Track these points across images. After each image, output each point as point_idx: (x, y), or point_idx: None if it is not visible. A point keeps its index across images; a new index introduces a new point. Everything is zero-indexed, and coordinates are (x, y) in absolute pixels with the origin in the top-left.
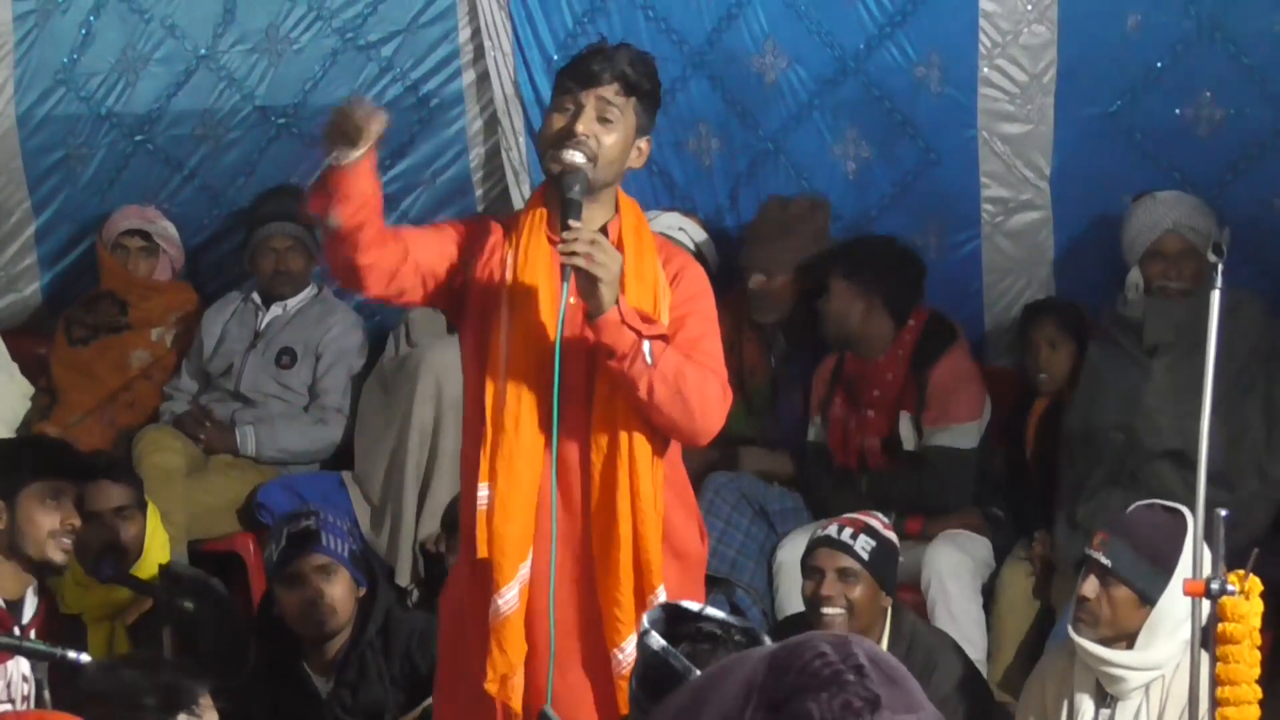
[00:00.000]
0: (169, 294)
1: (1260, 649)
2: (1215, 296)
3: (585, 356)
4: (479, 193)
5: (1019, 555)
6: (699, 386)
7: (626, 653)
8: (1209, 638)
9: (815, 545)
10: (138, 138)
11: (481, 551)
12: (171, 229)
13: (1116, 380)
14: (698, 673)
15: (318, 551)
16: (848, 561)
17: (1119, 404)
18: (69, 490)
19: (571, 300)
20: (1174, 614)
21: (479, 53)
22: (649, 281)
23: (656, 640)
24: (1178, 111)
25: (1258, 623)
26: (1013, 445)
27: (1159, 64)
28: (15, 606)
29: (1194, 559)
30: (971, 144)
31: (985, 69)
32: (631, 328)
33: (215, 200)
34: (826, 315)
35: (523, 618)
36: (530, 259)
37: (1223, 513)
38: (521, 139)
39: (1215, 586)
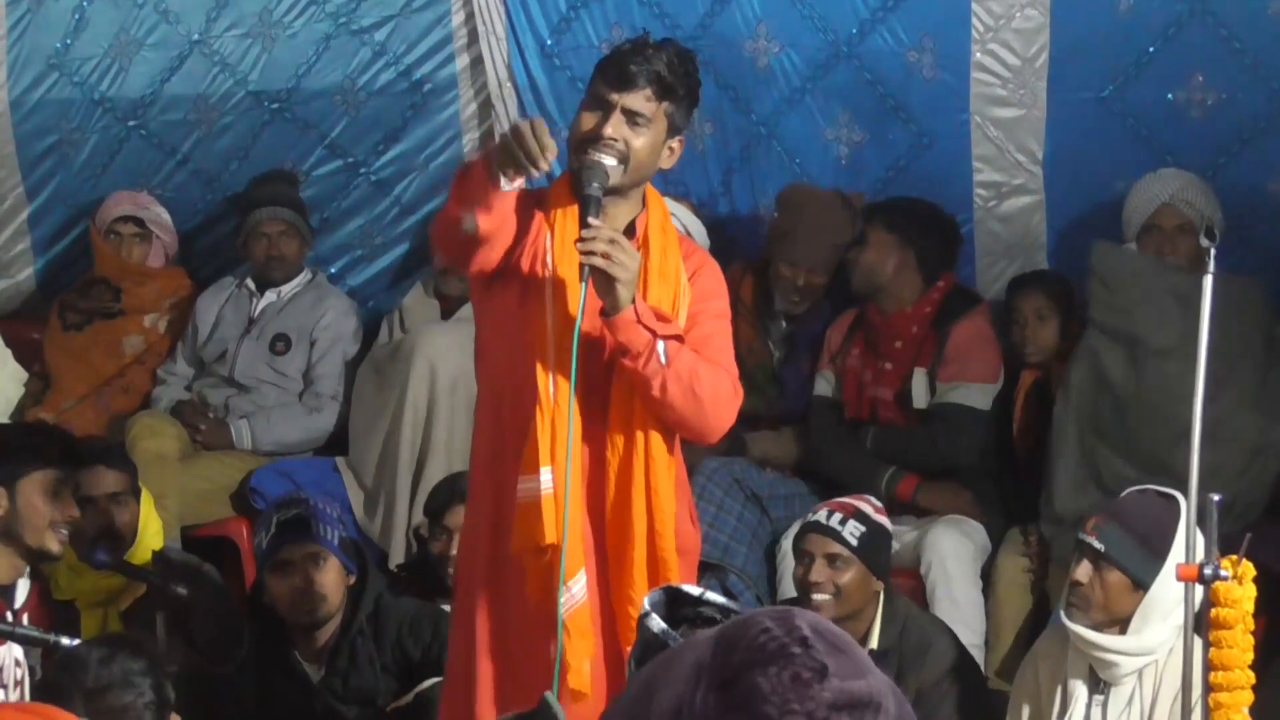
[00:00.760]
0: (162, 280)
1: (1253, 634)
2: (1208, 281)
3: (604, 353)
4: None
5: (1015, 546)
6: (712, 386)
7: None
8: (1202, 623)
9: (805, 530)
10: (131, 123)
11: (550, 538)
12: (165, 215)
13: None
14: None
15: (308, 540)
16: (836, 547)
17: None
18: (69, 480)
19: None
20: (1167, 599)
21: (472, 37)
22: (671, 280)
23: (656, 623)
24: (1170, 96)
25: (1250, 608)
26: (1000, 420)
27: (1151, 48)
28: (7, 592)
29: (1187, 544)
30: (964, 128)
31: (978, 53)
32: (647, 327)
33: (209, 185)
34: (858, 264)
35: (596, 607)
36: (569, 251)
37: (1215, 498)
38: None
39: (1208, 571)
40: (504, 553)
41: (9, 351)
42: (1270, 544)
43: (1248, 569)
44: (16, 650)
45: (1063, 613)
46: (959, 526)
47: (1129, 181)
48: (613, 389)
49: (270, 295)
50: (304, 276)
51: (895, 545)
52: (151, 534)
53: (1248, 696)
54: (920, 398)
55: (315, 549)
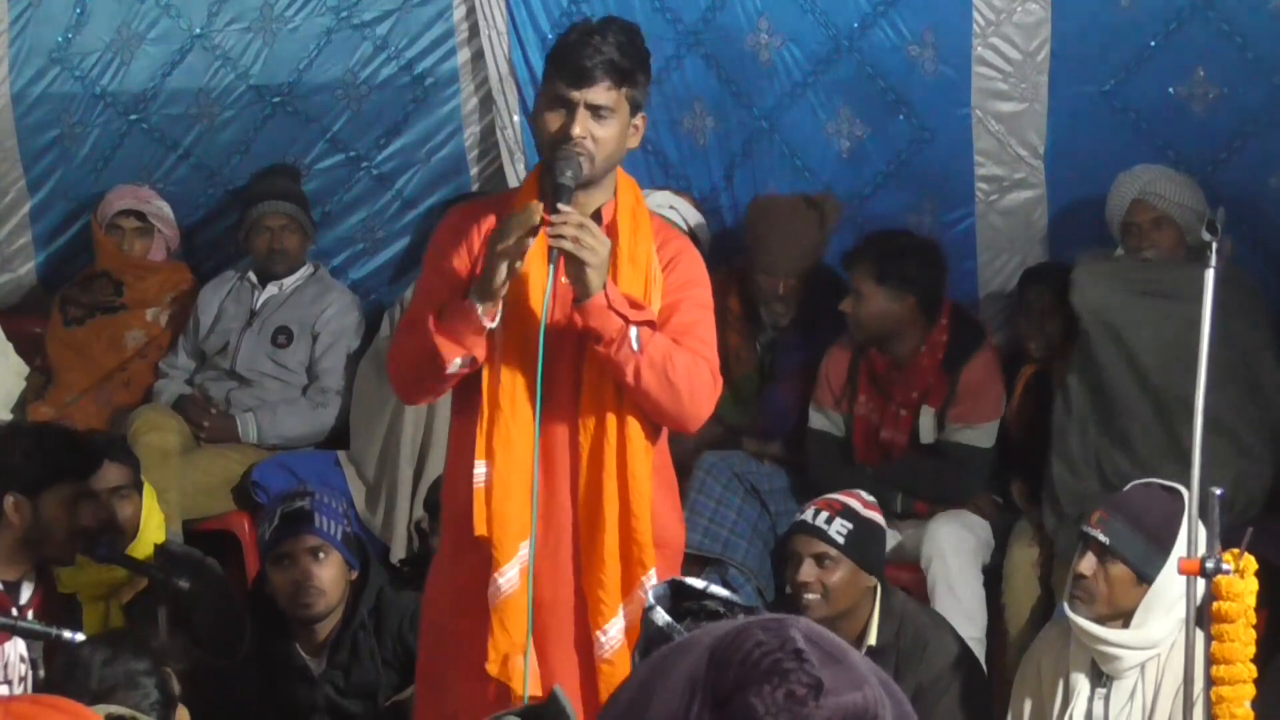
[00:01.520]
0: (164, 274)
1: (1255, 627)
2: (1209, 275)
3: (573, 339)
4: (474, 171)
5: (1025, 539)
6: (688, 373)
7: (610, 635)
8: (1204, 616)
9: (793, 530)
10: (132, 117)
11: (479, 530)
12: (166, 209)
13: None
14: None
15: (310, 533)
16: (823, 547)
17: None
18: (87, 490)
19: (564, 281)
20: (1170, 592)
21: (474, 31)
22: (641, 265)
23: (661, 615)
24: (1171, 90)
25: (1253, 601)
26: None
27: (1152, 42)
28: (13, 588)
29: (1189, 537)
30: (965, 122)
31: (979, 47)
32: (618, 313)
33: (210, 179)
34: (855, 318)
35: (525, 597)
36: (536, 244)
37: (1218, 491)
38: (516, 117)
39: (1210, 565)
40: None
41: (10, 345)
42: (1272, 538)
43: (1249, 563)
44: (21, 646)
45: (1066, 605)
46: (960, 520)
47: None
48: (583, 373)
49: (272, 288)
50: (306, 270)
51: (898, 537)
52: (153, 528)
53: (1249, 690)
54: (927, 434)
55: (317, 543)
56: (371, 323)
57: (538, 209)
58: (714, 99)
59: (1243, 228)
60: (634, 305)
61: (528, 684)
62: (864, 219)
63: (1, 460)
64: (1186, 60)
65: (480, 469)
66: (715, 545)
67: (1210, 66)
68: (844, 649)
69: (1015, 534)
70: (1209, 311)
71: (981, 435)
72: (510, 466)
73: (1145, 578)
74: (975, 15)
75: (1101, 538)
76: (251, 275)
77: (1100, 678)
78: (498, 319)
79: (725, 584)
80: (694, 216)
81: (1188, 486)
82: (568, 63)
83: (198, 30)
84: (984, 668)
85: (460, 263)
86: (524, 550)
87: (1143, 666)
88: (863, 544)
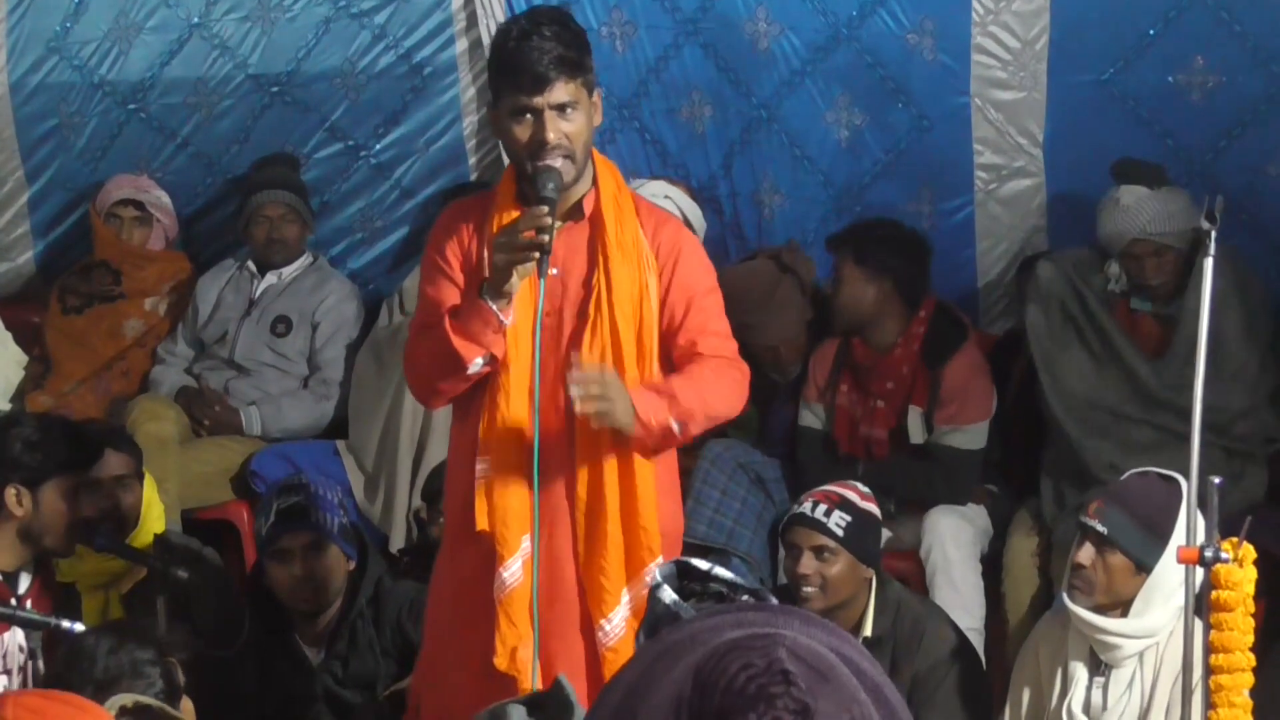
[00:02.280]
0: (163, 263)
1: (1254, 616)
2: (1208, 264)
3: (564, 334)
4: (472, 160)
5: (1025, 528)
6: (722, 392)
7: (613, 623)
8: (1202, 605)
9: (791, 522)
10: (131, 106)
11: (481, 524)
12: (165, 198)
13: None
14: None
15: (307, 528)
16: (822, 539)
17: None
18: (87, 481)
19: (553, 271)
20: (1169, 581)
21: (472, 20)
22: (631, 250)
23: (668, 594)
24: (1170, 78)
25: (1251, 590)
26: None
27: (1151, 31)
28: (11, 578)
29: (1188, 526)
30: (964, 111)
31: (978, 36)
32: (658, 424)
33: (209, 168)
34: (836, 304)
35: (530, 590)
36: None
37: (1216, 480)
38: None
39: (1209, 554)
40: (462, 537)
41: (9, 335)
42: (1271, 527)
43: (1248, 552)
44: (20, 635)
45: (1065, 595)
46: (959, 510)
47: None
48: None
49: (271, 277)
50: (305, 259)
51: (888, 535)
52: (154, 518)
53: (1248, 679)
54: (916, 435)
55: (315, 537)
56: (370, 312)
57: (543, 214)
58: (712, 88)
59: (1241, 216)
60: (661, 394)
61: (537, 675)
62: (863, 208)
63: (2, 452)
64: (1186, 49)
65: (480, 464)
66: (719, 535)
67: (1209, 55)
68: (831, 664)
69: (1015, 523)
70: (1207, 302)
71: (971, 437)
72: (509, 461)
73: (1144, 567)
74: (974, 3)
75: (1100, 528)
76: (250, 264)
77: (1098, 666)
78: (511, 317)
79: None
80: (689, 206)
81: (1183, 474)
82: (520, 71)
83: (196, 19)
84: (981, 657)
85: (458, 263)
86: (526, 544)
87: (1141, 655)
88: (861, 536)
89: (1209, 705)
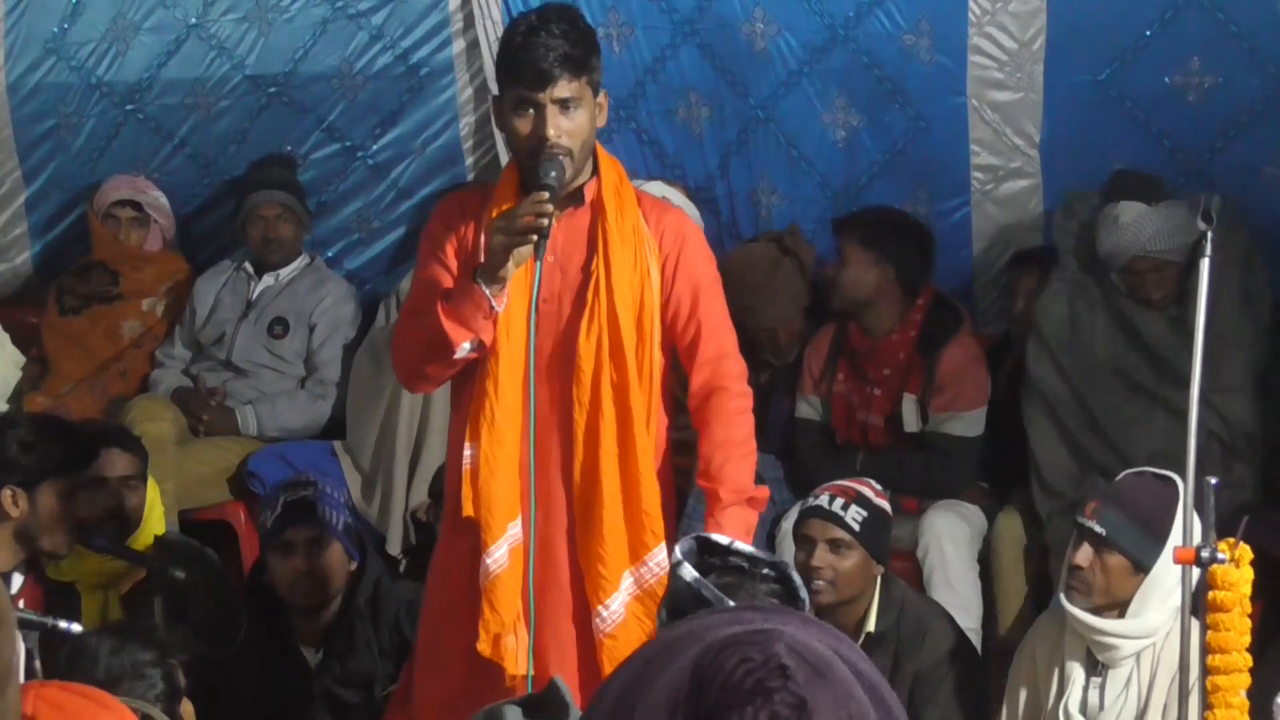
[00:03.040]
0: (160, 264)
1: (1250, 617)
2: (1205, 265)
3: (561, 320)
4: (469, 161)
5: (1011, 525)
6: (750, 433)
7: (611, 610)
8: (1199, 606)
9: (806, 515)
10: (128, 107)
11: (467, 510)
12: (163, 199)
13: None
14: (730, 604)
15: (312, 523)
16: (838, 532)
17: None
18: (84, 483)
19: (550, 258)
20: (1167, 581)
21: (469, 21)
22: (630, 238)
23: (689, 571)
24: (1167, 79)
25: (1248, 590)
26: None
27: (1148, 31)
28: (4, 578)
29: (1184, 526)
30: (961, 111)
31: (975, 37)
32: (754, 525)
33: (206, 169)
34: (838, 283)
35: (516, 577)
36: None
37: (1213, 481)
38: None
39: (1205, 555)
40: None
41: (6, 335)
42: (1267, 528)
43: (1245, 552)
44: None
45: (1062, 596)
46: (956, 509)
47: (1126, 165)
48: (578, 353)
49: (268, 278)
50: (302, 260)
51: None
52: (155, 520)
53: (1245, 679)
54: (911, 423)
55: (319, 532)
56: (367, 313)
57: (544, 200)
58: (709, 88)
59: (1238, 216)
60: (738, 504)
61: (531, 663)
62: (860, 208)
63: None
64: (1182, 49)
65: (468, 451)
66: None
67: (1205, 56)
68: (828, 661)
69: (1002, 521)
70: (1204, 300)
71: (968, 424)
72: (495, 447)
73: (1142, 567)
74: (971, 4)
75: (1097, 528)
76: (248, 265)
77: (1095, 666)
78: (504, 303)
79: None
80: (687, 206)
81: (1179, 474)
82: (525, 66)
83: (193, 20)
84: (980, 657)
85: (454, 250)
86: (513, 530)
87: (1138, 656)
88: (875, 532)
89: (1206, 705)
